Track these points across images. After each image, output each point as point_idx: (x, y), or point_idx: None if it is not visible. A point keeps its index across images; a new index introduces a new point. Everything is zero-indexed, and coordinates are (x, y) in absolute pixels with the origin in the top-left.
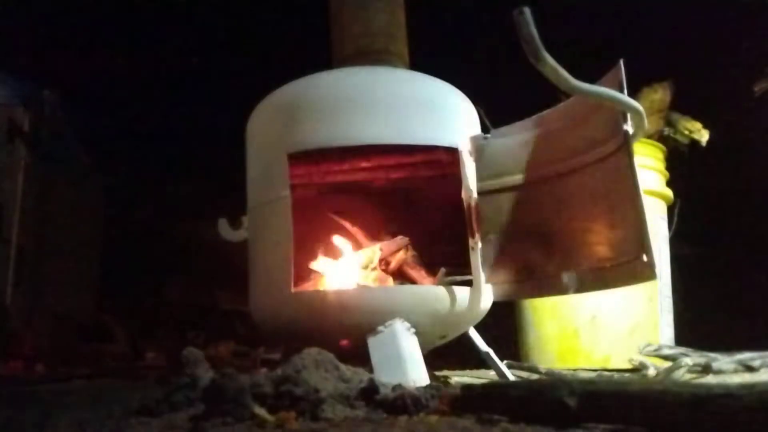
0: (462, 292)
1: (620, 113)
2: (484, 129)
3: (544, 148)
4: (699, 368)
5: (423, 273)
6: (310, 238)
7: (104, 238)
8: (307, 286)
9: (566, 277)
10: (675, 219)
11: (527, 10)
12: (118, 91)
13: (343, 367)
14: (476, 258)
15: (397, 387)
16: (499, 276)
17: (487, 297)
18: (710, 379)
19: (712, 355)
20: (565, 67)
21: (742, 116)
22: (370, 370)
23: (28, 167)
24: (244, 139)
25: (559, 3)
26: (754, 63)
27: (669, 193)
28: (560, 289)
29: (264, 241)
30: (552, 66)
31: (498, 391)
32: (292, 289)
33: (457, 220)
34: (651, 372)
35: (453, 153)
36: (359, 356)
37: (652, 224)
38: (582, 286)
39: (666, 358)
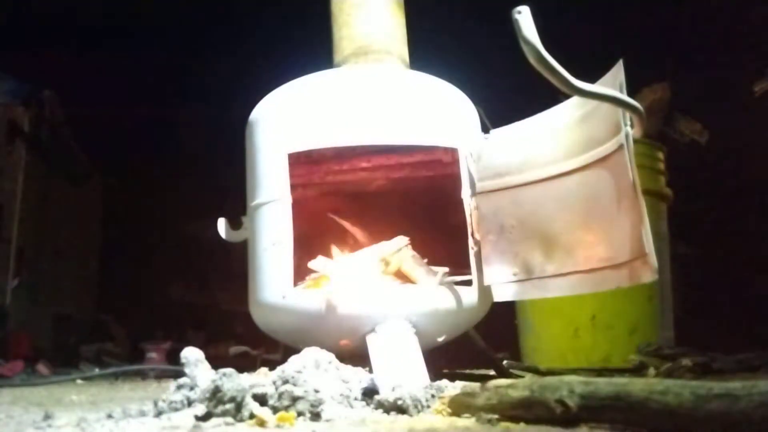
0: (462, 292)
1: (620, 113)
2: (484, 129)
3: (544, 148)
4: (699, 368)
5: (423, 273)
6: (310, 238)
7: (104, 238)
8: (307, 286)
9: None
10: (675, 219)
11: (526, 10)
12: (118, 91)
13: (343, 367)
14: (476, 258)
15: (397, 387)
16: (499, 276)
17: (487, 297)
18: (710, 379)
19: (712, 355)
20: (564, 67)
21: (741, 116)
22: (370, 370)
23: (28, 167)
24: (244, 139)
25: (559, 3)
26: (754, 63)
27: (669, 193)
28: (560, 289)
29: (264, 241)
30: (552, 66)
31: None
32: (292, 289)
33: (456, 220)
34: (651, 372)
35: (453, 153)
36: (359, 356)
37: (652, 224)
38: (582, 286)
39: (666, 358)
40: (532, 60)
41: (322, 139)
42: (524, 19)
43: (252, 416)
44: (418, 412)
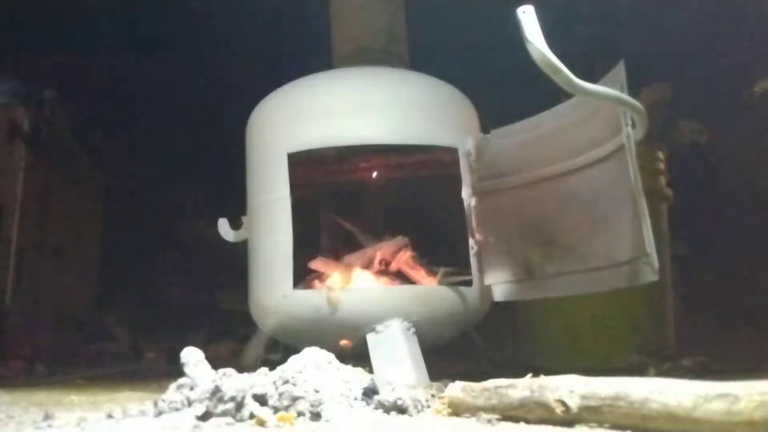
0: (462, 292)
1: (621, 113)
2: (484, 129)
3: (544, 148)
4: (699, 368)
5: (423, 273)
6: (310, 238)
7: (104, 238)
8: (307, 286)
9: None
10: (675, 219)
11: (530, 9)
12: (118, 91)
13: (343, 367)
14: (476, 258)
15: (397, 387)
16: (499, 276)
17: (487, 297)
18: (710, 379)
19: (712, 355)
20: (565, 66)
21: (741, 116)
22: (370, 370)
23: (28, 167)
24: (245, 139)
25: (561, 3)
26: (753, 64)
27: (669, 193)
28: (560, 289)
29: (264, 241)
30: (555, 65)
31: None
32: (292, 289)
33: (456, 220)
34: (651, 372)
35: (453, 153)
36: (359, 356)
37: (652, 224)
38: (582, 286)
39: (666, 358)
40: (535, 59)
41: (322, 139)
42: (528, 18)
43: (252, 416)
44: (418, 412)
